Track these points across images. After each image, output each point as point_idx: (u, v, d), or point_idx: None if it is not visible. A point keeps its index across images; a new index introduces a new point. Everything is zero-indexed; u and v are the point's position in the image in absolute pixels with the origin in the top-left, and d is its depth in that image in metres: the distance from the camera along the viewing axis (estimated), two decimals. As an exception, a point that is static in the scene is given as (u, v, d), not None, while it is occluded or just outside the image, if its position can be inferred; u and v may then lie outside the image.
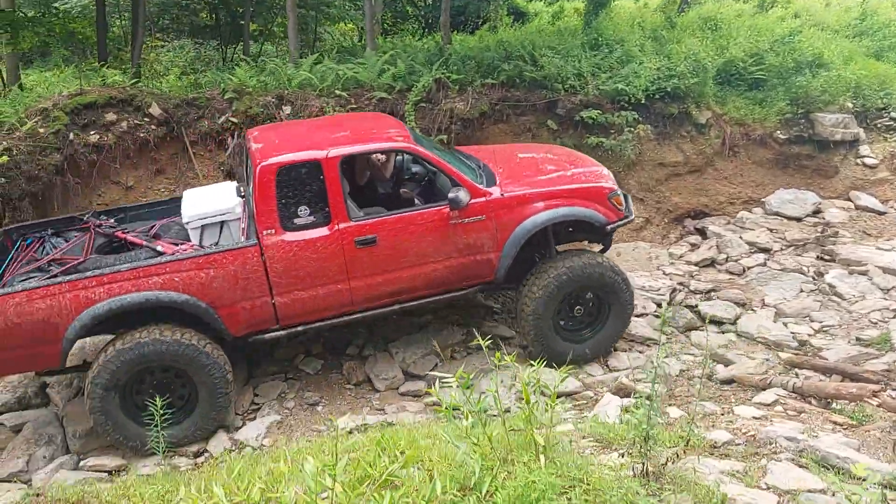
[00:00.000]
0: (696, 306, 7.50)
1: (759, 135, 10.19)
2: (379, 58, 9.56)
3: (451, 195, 5.77)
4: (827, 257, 8.56)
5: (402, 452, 3.27)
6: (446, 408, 3.18)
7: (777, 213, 9.66)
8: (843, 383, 5.09)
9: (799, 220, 9.57)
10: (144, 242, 6.01)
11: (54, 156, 7.70)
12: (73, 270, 5.60)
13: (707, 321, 7.11)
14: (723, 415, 4.90)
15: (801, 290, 7.84)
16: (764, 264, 8.44)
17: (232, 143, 8.44)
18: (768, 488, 3.27)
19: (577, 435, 4.11)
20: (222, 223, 5.99)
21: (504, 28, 13.16)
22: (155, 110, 8.25)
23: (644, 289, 7.77)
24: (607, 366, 6.56)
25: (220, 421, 5.68)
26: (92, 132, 8.01)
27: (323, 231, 5.64)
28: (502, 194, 6.06)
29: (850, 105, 10.86)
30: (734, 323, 7.21)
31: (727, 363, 6.40)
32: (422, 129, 9.04)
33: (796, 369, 6.18)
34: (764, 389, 5.47)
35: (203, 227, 5.97)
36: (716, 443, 3.90)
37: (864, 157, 10.69)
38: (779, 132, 10.27)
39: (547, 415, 3.74)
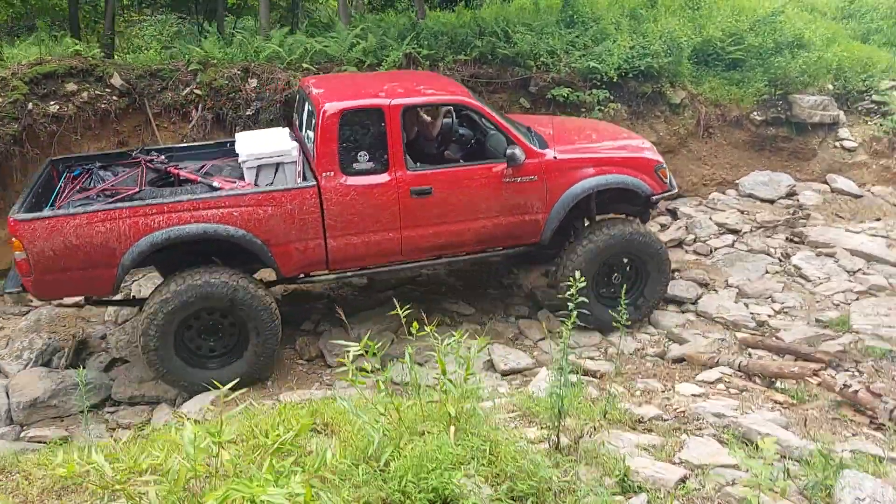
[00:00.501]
0: (660, 286, 7.42)
1: (735, 116, 10.08)
2: (350, 32, 9.41)
3: (508, 151, 5.94)
4: (796, 239, 8.48)
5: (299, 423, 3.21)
6: (352, 377, 3.12)
7: (750, 195, 9.57)
8: (785, 362, 5.03)
9: (772, 202, 9.48)
10: (200, 178, 6.06)
11: (12, 125, 7.59)
12: (128, 200, 5.65)
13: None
14: (663, 391, 4.85)
15: (767, 272, 7.77)
16: (732, 245, 8.36)
17: (196, 114, 8.33)
18: (680, 463, 3.22)
19: (507, 408, 4.06)
20: (278, 165, 5.99)
21: (489, 5, 12.99)
22: (116, 81, 8.13)
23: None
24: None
25: (267, 367, 5.85)
26: (52, 102, 7.89)
27: (381, 178, 5.79)
28: (555, 157, 6.20)
29: (831, 87, 10.75)
30: (695, 303, 7.14)
31: (682, 342, 6.34)
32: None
33: (750, 349, 6.13)
34: (711, 368, 5.41)
35: (259, 168, 5.96)
36: (642, 418, 3.84)
37: (843, 139, 10.59)
38: (756, 113, 10.15)
39: (477, 388, 3.70)
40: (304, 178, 5.90)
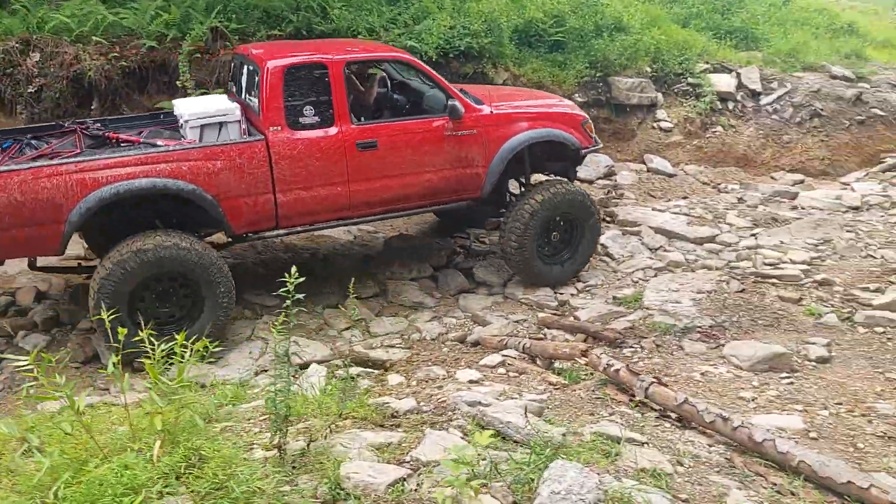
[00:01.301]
0: (472, 269, 7.40)
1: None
2: (152, 2, 8.69)
3: (450, 104, 6.23)
4: (608, 219, 8.73)
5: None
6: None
7: (571, 175, 9.76)
8: (559, 343, 5.08)
9: (591, 182, 9.72)
10: (142, 140, 5.96)
11: None
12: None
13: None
14: (444, 378, 4.75)
15: (578, 251, 7.93)
16: (547, 225, 8.49)
17: None
18: (410, 461, 3.08)
19: (257, 412, 3.79)
20: (221, 124, 5.98)
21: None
22: None
23: (420, 254, 7.58)
24: (368, 331, 6.32)
25: (223, 330, 5.76)
26: None
27: (327, 132, 5.93)
28: (491, 111, 6.54)
29: (649, 70, 11.16)
30: (505, 285, 7.16)
31: (485, 324, 6.32)
32: (198, 83, 8.34)
33: (547, 329, 6.20)
34: (500, 350, 5.40)
35: (203, 127, 5.95)
36: (397, 412, 3.70)
37: (660, 120, 11.04)
38: (577, 95, 10.34)
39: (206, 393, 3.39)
40: (248, 136, 5.93)
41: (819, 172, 11.01)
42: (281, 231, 6.13)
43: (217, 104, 6.15)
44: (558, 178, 7.18)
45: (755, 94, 11.61)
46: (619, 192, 9.40)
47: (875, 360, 5.41)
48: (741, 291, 6.60)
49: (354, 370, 4.76)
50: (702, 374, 5.21)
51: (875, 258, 7.35)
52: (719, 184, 10.12)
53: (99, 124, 6.32)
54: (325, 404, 3.48)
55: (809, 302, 6.45)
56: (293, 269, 3.21)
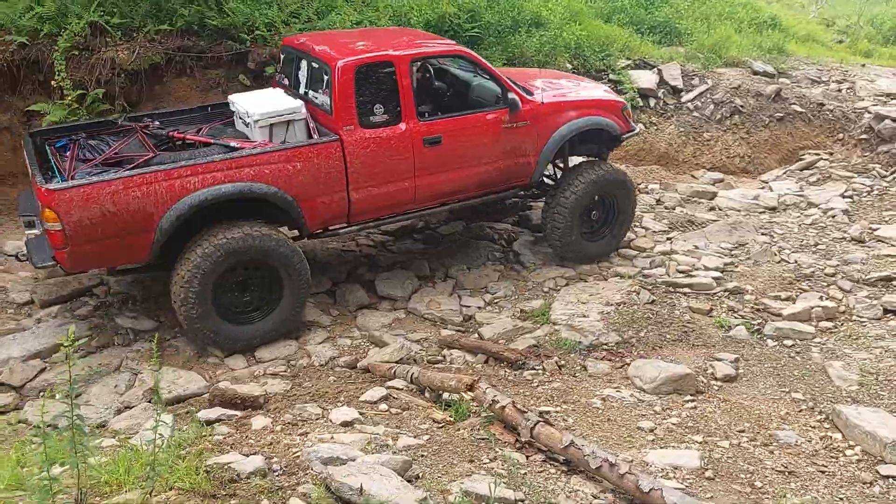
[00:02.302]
0: (374, 282, 6.95)
1: (474, 95, 9.83)
2: (24, -6, 7.92)
3: (511, 97, 6.34)
4: (522, 222, 8.39)
5: None
6: None
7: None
8: (447, 374, 4.69)
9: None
10: (213, 140, 5.92)
11: None
12: (144, 166, 5.43)
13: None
14: (317, 419, 4.29)
15: (489, 259, 7.55)
16: (462, 229, 8.09)
17: None
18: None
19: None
20: (289, 122, 5.93)
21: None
22: None
23: (322, 265, 7.08)
24: (254, 357, 5.80)
25: (296, 322, 5.94)
26: None
27: (396, 129, 5.97)
28: (542, 101, 6.63)
29: (569, 66, 10.86)
30: (408, 299, 6.73)
31: (382, 345, 5.88)
32: (76, 83, 7.63)
33: (447, 349, 5.80)
34: (390, 379, 4.97)
35: (272, 126, 5.88)
36: (237, 476, 3.22)
37: (581, 118, 10.72)
38: (495, 92, 9.97)
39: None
40: (319, 135, 5.90)
41: (739, 170, 10.91)
42: (352, 227, 6.23)
43: (283, 102, 6.06)
44: (596, 159, 7.42)
45: (677, 91, 11.44)
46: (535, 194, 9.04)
47: (782, 378, 5.18)
48: (651, 303, 6.33)
49: (213, 413, 4.27)
50: (602, 399, 4.89)
51: (788, 263, 7.19)
52: (640, 183, 9.88)
53: (158, 122, 6.33)
54: (147, 470, 2.97)
55: (720, 313, 6.22)
56: (70, 329, 2.66)
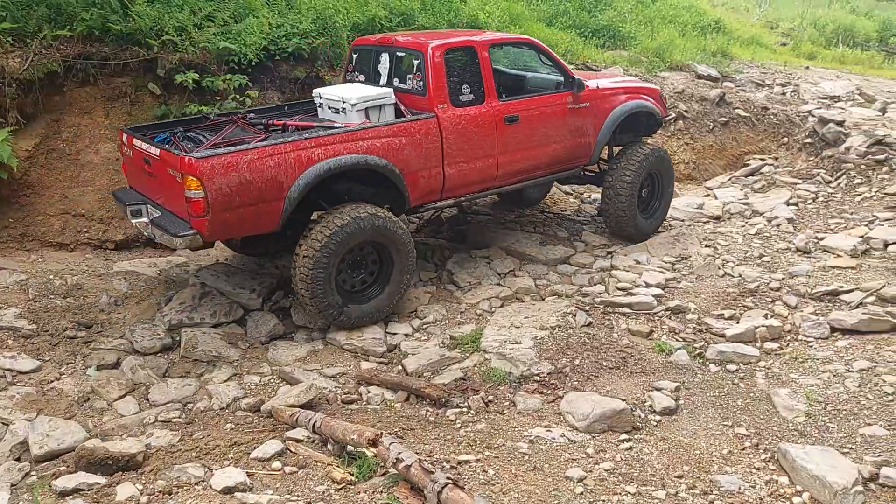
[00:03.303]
0: (290, 308, 6.38)
1: (408, 102, 9.33)
2: None
3: (577, 79, 6.98)
4: (459, 238, 7.92)
5: None
6: None
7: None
8: (349, 425, 4.15)
9: (445, 195, 8.86)
10: (315, 124, 6.27)
11: None
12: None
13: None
14: (196, 484, 3.71)
15: (421, 280, 7.05)
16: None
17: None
18: None
19: None
20: (381, 107, 6.28)
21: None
22: None
23: (234, 291, 6.47)
24: (147, 400, 5.17)
25: (401, 299, 6.22)
26: None
27: (482, 108, 6.41)
28: (598, 86, 7.31)
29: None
30: (326, 329, 6.17)
31: (294, 382, 5.31)
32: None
33: (366, 385, 5.27)
34: (293, 427, 4.41)
35: (367, 109, 6.23)
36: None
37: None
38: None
39: None
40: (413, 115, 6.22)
41: (685, 177, 10.61)
42: (445, 202, 6.58)
43: (374, 89, 6.44)
44: (643, 141, 7.92)
45: (619, 96, 11.10)
46: (474, 208, 8.59)
47: (725, 409, 4.77)
48: (588, 325, 5.89)
49: (73, 481, 3.66)
50: (530, 441, 4.41)
51: (732, 276, 6.84)
52: (581, 193, 9.51)
53: (252, 114, 6.68)
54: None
55: (660, 335, 5.81)
56: None
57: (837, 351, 5.28)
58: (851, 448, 4.16)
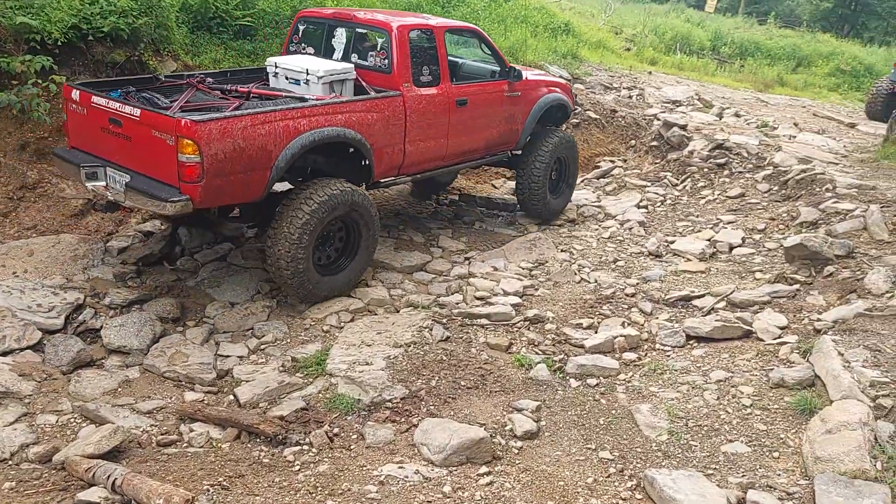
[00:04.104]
0: (101, 329, 5.45)
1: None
2: None
3: (516, 70, 7.40)
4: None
5: None
6: None
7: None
8: (156, 484, 3.43)
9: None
10: (284, 94, 6.22)
11: None
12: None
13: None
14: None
15: (258, 292, 6.32)
16: (224, 259, 6.75)
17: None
18: None
19: None
20: (343, 81, 6.37)
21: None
22: None
23: (30, 309, 5.44)
24: None
25: (363, 273, 6.31)
26: None
27: (438, 89, 6.68)
28: (527, 78, 7.73)
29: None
30: (146, 352, 5.33)
31: (101, 422, 4.44)
32: None
33: (189, 421, 4.51)
34: (88, 486, 3.60)
35: (331, 83, 6.27)
36: None
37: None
38: (274, 91, 8.70)
39: None
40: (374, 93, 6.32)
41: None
42: (401, 178, 6.76)
43: (336, 63, 6.50)
44: (553, 127, 8.41)
45: (474, 94, 10.84)
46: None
47: (587, 430, 4.48)
48: (445, 340, 5.45)
49: None
50: (380, 483, 3.88)
51: (589, 282, 6.68)
52: (439, 196, 9.11)
53: (211, 79, 6.49)
54: None
55: (519, 348, 5.48)
56: None
57: (694, 360, 5.17)
58: (715, 469, 3.97)
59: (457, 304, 6.18)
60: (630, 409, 4.65)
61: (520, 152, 8.00)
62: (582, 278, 6.74)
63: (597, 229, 8.14)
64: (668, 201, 8.91)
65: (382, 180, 6.60)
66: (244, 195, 5.47)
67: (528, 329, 5.75)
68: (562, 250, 7.39)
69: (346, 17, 6.86)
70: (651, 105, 12.29)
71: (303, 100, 5.98)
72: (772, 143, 10.18)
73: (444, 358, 5.19)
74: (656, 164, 10.43)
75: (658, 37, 19.33)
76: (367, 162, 6.14)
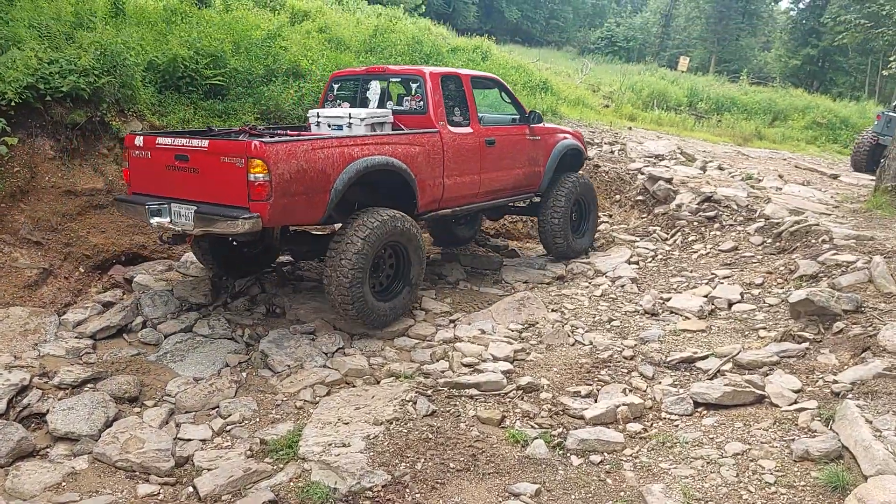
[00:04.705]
0: (48, 412, 4.88)
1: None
2: None
3: (536, 113, 8.09)
4: (279, 310, 6.76)
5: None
6: None
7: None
8: None
9: (264, 260, 7.68)
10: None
11: None
12: None
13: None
14: None
15: (227, 365, 5.81)
16: (190, 329, 6.24)
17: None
18: None
19: None
20: (382, 124, 6.76)
21: None
22: None
23: (-32, 394, 4.87)
24: None
25: (415, 299, 6.78)
26: None
27: (468, 129, 7.22)
28: (544, 125, 8.34)
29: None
30: (99, 436, 4.76)
31: (36, 526, 3.86)
32: None
33: (141, 522, 3.93)
34: None
35: (372, 125, 6.63)
36: None
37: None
38: (247, 152, 8.35)
39: None
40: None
41: (524, 236, 10.20)
42: (443, 211, 7.08)
43: (374, 109, 6.92)
44: (572, 173, 8.74)
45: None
46: (297, 274, 7.48)
47: (594, 517, 3.97)
48: (431, 414, 4.95)
49: None
50: (359, 592, 3.32)
51: (584, 345, 6.23)
52: (459, 249, 8.71)
53: (259, 128, 7.05)
54: None
55: (513, 421, 4.98)
56: None
57: (706, 431, 4.70)
58: (745, 562, 3.47)
59: (442, 372, 5.70)
60: (640, 490, 4.14)
61: (539, 199, 8.46)
62: (576, 340, 6.30)
63: (587, 287, 7.74)
64: (660, 256, 8.57)
65: (425, 214, 6.91)
66: (306, 216, 5.84)
67: (522, 399, 5.26)
68: (552, 310, 6.96)
69: (378, 70, 7.45)
70: (634, 159, 12.11)
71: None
72: (760, 194, 9.96)
73: (431, 436, 4.67)
74: (643, 218, 10.15)
75: (635, 93, 19.45)
76: (412, 191, 6.47)
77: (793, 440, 4.38)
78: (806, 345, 5.72)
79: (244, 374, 5.64)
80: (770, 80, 34.19)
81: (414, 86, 7.11)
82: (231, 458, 4.55)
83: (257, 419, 5.09)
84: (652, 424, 4.95)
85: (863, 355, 5.38)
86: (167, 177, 5.86)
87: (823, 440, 4.26)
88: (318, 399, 5.34)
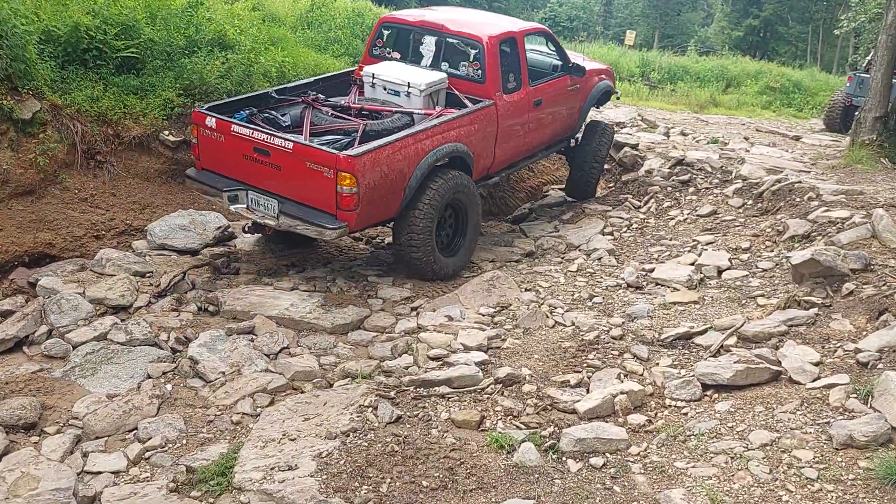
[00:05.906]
0: (-84, 455, 3.90)
1: (137, 136, 7.14)
2: None
3: (582, 65, 7.91)
4: (212, 308, 5.83)
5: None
6: None
7: (163, 246, 6.66)
8: None
9: (195, 253, 6.71)
10: (392, 109, 6.47)
11: None
12: (373, 132, 6.01)
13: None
14: None
15: (150, 377, 4.87)
16: (105, 337, 5.26)
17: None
18: None
19: None
20: (439, 91, 6.68)
21: None
22: None
23: None
24: None
25: (472, 254, 6.76)
26: None
27: (521, 94, 7.07)
28: (587, 68, 8.06)
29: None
30: (-15, 474, 3.81)
31: None
32: None
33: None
34: None
35: (430, 95, 6.58)
36: None
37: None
38: (169, 132, 7.36)
39: None
40: (471, 103, 6.69)
41: (486, 213, 9.40)
42: (492, 180, 7.30)
43: (433, 74, 6.76)
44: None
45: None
46: (233, 266, 6.53)
47: (604, 536, 3.20)
48: (396, 421, 4.13)
49: None
50: None
51: (565, 326, 5.49)
52: (374, 237, 7.84)
53: (321, 95, 6.71)
54: None
55: (494, 422, 4.20)
56: None
57: (722, 419, 3.99)
58: (804, 586, 2.74)
59: (406, 368, 4.88)
60: (657, 498, 3.40)
61: (574, 143, 8.43)
62: (556, 321, 5.54)
63: (560, 262, 6.99)
64: (635, 225, 7.87)
65: (476, 183, 6.79)
66: (383, 215, 5.93)
67: (502, 394, 4.47)
68: (526, 289, 6.19)
69: (435, 27, 7.14)
70: (596, 128, 11.41)
71: (409, 115, 6.37)
72: (733, 155, 9.36)
73: (397, 448, 3.86)
74: (611, 187, 9.46)
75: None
76: (469, 167, 6.41)
77: (828, 423, 3.70)
78: (815, 310, 5.08)
79: (169, 387, 4.72)
80: (716, 51, 34.12)
81: (473, 52, 6.85)
82: (148, 495, 3.66)
83: (184, 441, 4.19)
84: (657, 414, 4.23)
85: (882, 318, 4.75)
86: (244, 164, 5.76)
87: (867, 421, 3.59)
88: (258, 410, 4.48)
